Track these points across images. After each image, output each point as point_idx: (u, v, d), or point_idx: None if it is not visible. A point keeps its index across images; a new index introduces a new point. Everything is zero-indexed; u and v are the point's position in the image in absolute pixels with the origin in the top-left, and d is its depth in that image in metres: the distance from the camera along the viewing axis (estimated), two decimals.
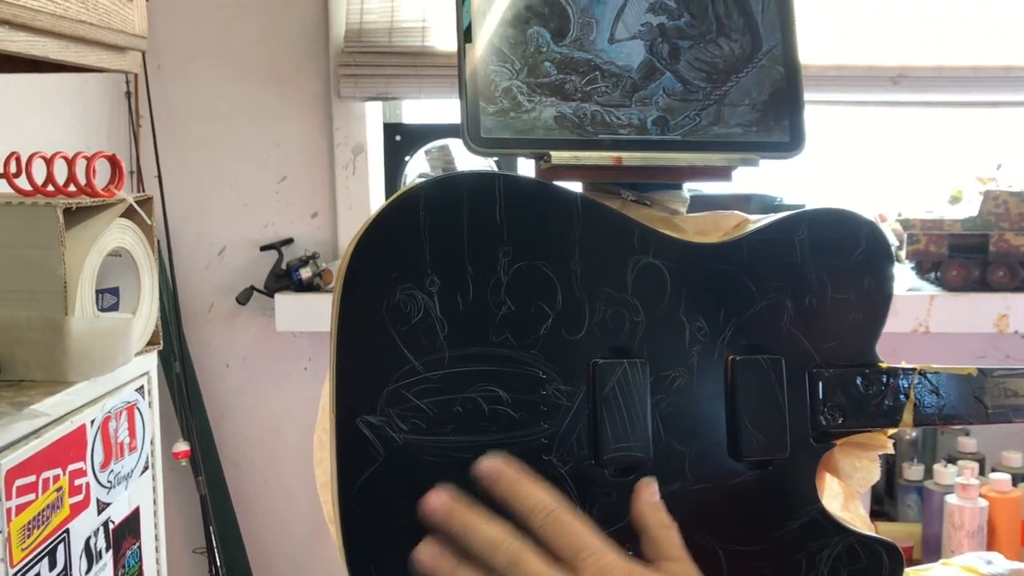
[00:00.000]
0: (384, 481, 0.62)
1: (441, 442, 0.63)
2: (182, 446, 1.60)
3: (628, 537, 0.66)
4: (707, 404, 0.69)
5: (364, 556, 0.62)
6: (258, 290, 1.76)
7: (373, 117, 1.80)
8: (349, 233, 1.77)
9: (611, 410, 0.66)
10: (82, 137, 1.61)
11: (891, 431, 0.75)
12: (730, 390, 0.69)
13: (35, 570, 0.80)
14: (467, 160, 1.77)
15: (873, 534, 0.73)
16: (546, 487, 0.60)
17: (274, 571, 1.85)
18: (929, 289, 1.67)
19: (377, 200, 1.81)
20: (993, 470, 1.57)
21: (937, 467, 1.56)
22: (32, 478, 0.80)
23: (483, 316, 0.64)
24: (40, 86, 1.49)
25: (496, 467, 0.60)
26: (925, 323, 1.62)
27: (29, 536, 0.79)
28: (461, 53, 0.70)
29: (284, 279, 1.74)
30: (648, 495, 0.62)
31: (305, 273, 1.72)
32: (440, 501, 0.59)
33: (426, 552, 0.58)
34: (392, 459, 0.62)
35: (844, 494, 0.78)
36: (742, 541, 0.69)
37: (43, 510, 0.81)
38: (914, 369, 0.74)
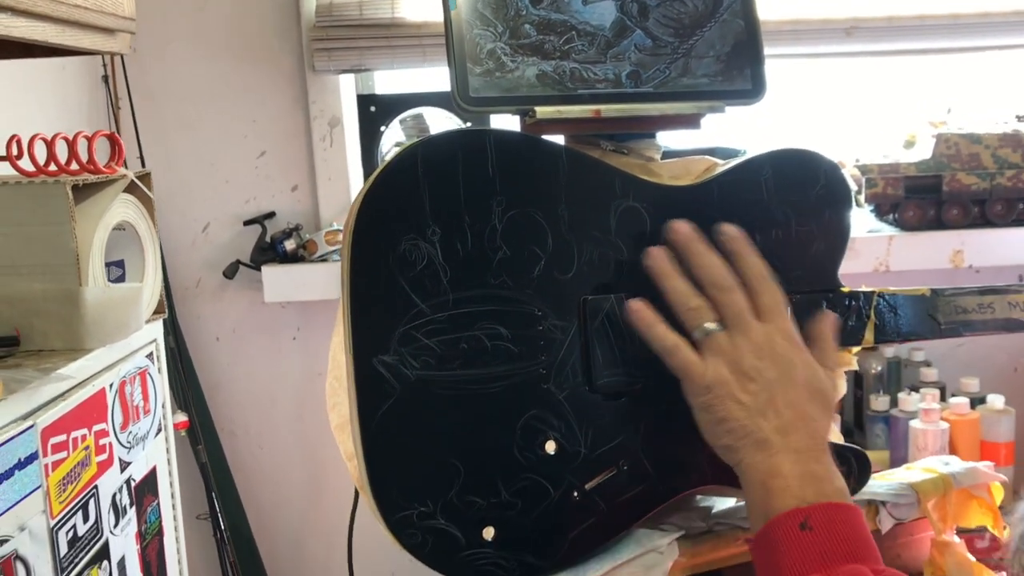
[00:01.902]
0: (400, 413, 0.68)
1: (450, 376, 0.69)
2: (180, 417, 1.65)
3: (620, 455, 0.73)
4: None
5: (386, 482, 0.69)
6: (244, 264, 1.81)
7: (347, 89, 1.84)
8: (330, 204, 1.82)
9: (601, 341, 0.73)
10: (63, 122, 1.64)
11: (855, 349, 0.82)
12: None
13: (72, 521, 0.86)
14: (442, 128, 1.82)
15: (842, 442, 0.80)
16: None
17: (274, 532, 1.91)
18: (888, 230, 1.75)
19: (355, 170, 1.86)
20: (953, 395, 1.67)
21: (901, 395, 1.65)
22: (63, 437, 0.85)
23: (482, 261, 0.70)
24: (17, 73, 1.51)
25: (736, 234, 0.72)
26: (885, 262, 1.70)
27: (64, 491, 0.85)
28: (447, 19, 0.75)
29: (269, 252, 1.79)
30: (831, 320, 0.74)
31: (289, 245, 1.77)
32: (686, 228, 0.71)
33: (658, 251, 0.71)
34: (406, 393, 0.68)
35: None
36: None
37: (74, 467, 0.87)
38: (873, 292, 0.81)
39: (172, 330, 1.73)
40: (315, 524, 1.93)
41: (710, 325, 0.68)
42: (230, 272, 1.81)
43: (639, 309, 0.70)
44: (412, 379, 0.69)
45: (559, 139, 0.80)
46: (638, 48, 0.79)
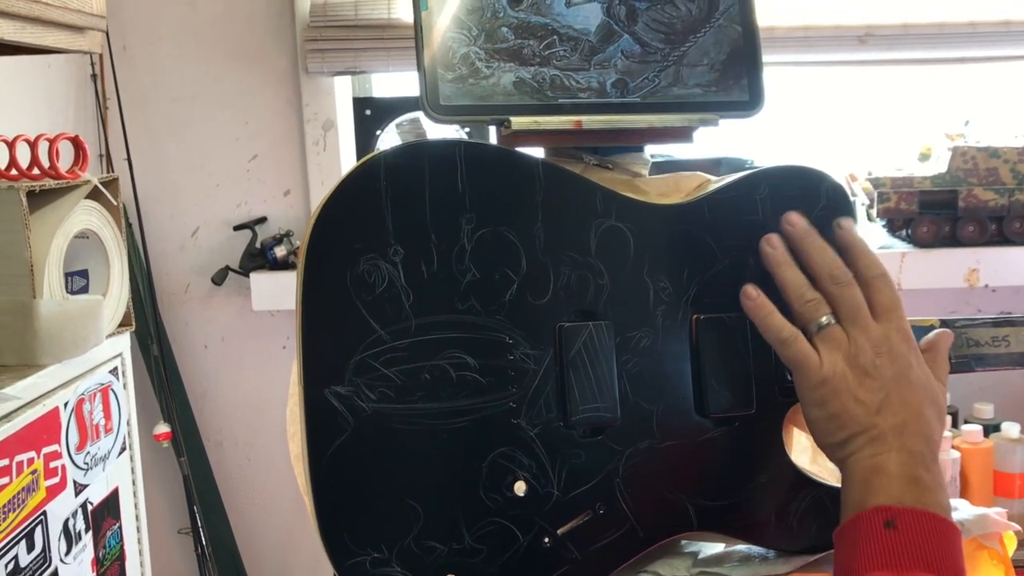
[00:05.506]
0: (354, 450, 0.62)
1: (410, 410, 0.63)
2: (163, 428, 1.60)
3: (596, 497, 0.67)
4: (673, 363, 0.70)
5: (337, 525, 0.63)
6: (233, 270, 1.75)
7: (342, 92, 1.79)
8: None
9: (578, 372, 0.67)
10: (48, 121, 1.60)
11: None
12: (695, 349, 0.70)
13: (12, 553, 0.80)
14: (439, 133, 1.76)
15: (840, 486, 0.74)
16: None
17: (260, 548, 1.86)
18: (900, 246, 1.68)
19: None
20: (965, 422, 1.59)
21: None
22: (5, 462, 0.80)
23: (448, 284, 0.64)
24: (1, 72, 1.47)
25: (853, 227, 0.69)
26: (897, 280, 1.63)
27: (5, 519, 0.79)
28: (417, 20, 0.69)
29: (259, 258, 1.73)
30: (947, 336, 0.70)
31: (280, 251, 1.71)
32: (802, 221, 0.68)
33: (777, 238, 0.68)
34: (361, 428, 0.62)
35: (812, 448, 0.79)
36: (711, 496, 0.70)
37: (18, 493, 0.81)
38: None
39: (157, 338, 1.68)
40: (303, 538, 1.88)
41: (826, 319, 0.65)
42: (219, 278, 1.76)
43: (756, 296, 0.67)
44: (368, 412, 0.63)
45: (538, 152, 0.74)
46: (625, 55, 0.73)
